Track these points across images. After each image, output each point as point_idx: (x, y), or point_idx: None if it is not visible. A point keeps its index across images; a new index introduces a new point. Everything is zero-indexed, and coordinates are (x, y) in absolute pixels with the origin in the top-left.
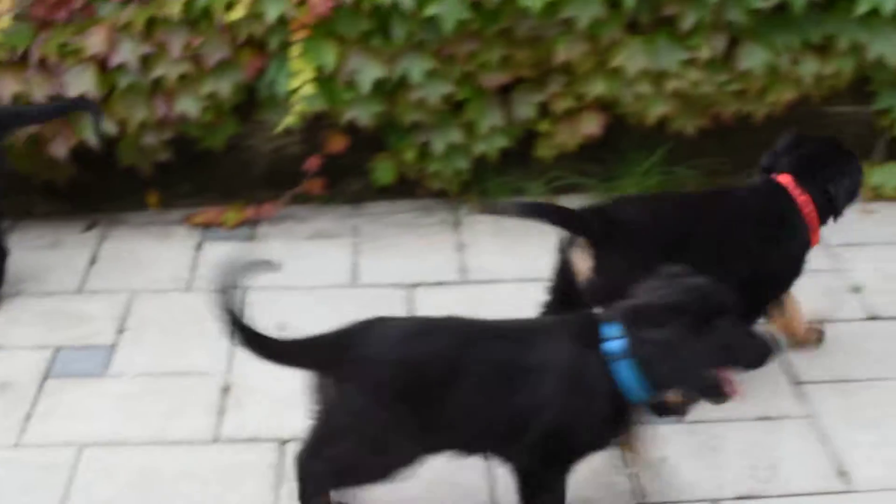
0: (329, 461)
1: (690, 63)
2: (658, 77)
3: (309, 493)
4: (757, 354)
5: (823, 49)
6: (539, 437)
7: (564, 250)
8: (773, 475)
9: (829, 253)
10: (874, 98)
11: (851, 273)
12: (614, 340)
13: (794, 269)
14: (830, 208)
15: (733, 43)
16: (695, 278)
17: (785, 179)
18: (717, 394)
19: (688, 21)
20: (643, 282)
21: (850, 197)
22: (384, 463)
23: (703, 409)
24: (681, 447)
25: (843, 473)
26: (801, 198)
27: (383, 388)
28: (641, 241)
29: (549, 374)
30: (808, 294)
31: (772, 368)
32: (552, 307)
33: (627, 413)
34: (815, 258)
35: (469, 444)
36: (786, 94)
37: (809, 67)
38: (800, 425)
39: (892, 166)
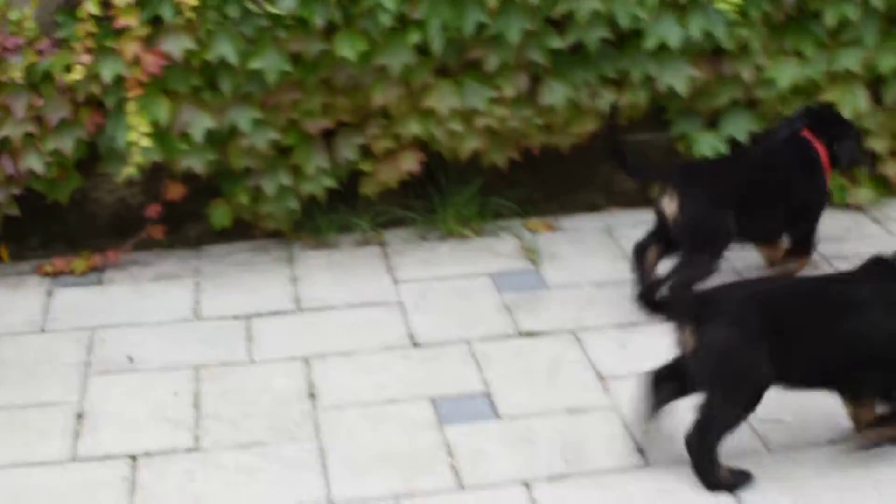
0: (716, 409)
1: (497, 101)
2: (468, 115)
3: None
4: None
5: (619, 82)
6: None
7: (657, 202)
8: (580, 457)
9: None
10: (670, 125)
11: None
12: None
13: (823, 200)
14: (833, 161)
15: (536, 80)
16: None
17: (805, 133)
18: None
19: (492, 63)
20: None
21: (850, 155)
22: (752, 400)
23: (517, 407)
24: (497, 440)
25: (641, 452)
26: (818, 144)
27: (748, 332)
28: (715, 188)
29: (887, 310)
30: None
31: (579, 367)
32: (652, 240)
33: None
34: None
35: (820, 379)
36: (587, 126)
37: (607, 100)
38: (605, 415)
39: None
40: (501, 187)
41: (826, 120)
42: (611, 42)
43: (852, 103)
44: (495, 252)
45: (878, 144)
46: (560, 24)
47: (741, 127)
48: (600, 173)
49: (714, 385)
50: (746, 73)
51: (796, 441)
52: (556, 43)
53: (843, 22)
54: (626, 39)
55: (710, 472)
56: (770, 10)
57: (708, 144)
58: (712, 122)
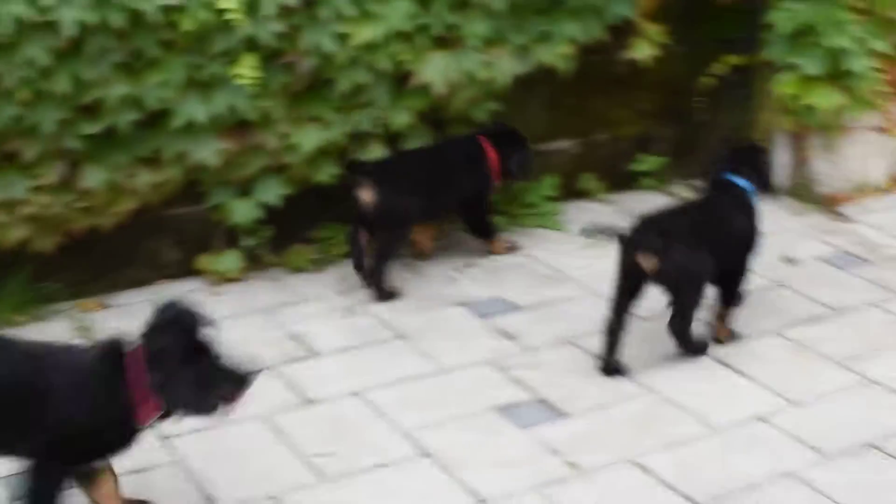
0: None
1: (39, 189)
2: (11, 206)
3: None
4: None
5: (154, 161)
6: None
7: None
8: None
9: None
10: (207, 197)
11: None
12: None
13: (488, 190)
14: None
15: (75, 166)
16: None
17: (482, 139)
18: None
19: (29, 153)
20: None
21: (520, 166)
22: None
23: None
24: None
25: (210, 499)
26: (490, 151)
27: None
28: (402, 179)
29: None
30: None
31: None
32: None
33: None
34: None
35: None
36: (128, 205)
37: (144, 179)
38: (170, 470)
39: (230, 253)
40: (53, 271)
41: (504, 136)
42: (142, 122)
43: None
44: (50, 335)
45: None
46: (92, 110)
47: (273, 192)
48: (145, 249)
49: (682, 290)
50: (272, 142)
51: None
52: (90, 129)
53: (356, 86)
54: (156, 119)
55: (690, 341)
56: (288, 81)
57: (243, 212)
58: (246, 189)
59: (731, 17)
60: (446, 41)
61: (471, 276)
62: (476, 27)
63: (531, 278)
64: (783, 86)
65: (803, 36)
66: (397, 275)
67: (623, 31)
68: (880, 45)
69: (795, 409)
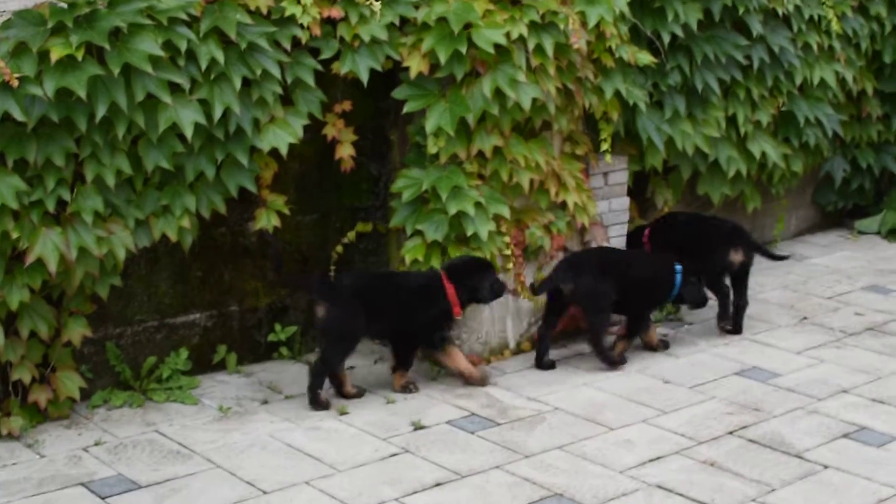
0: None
1: None
2: None
3: None
4: None
5: None
6: None
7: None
8: None
9: None
10: None
11: None
12: None
13: None
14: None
15: None
16: None
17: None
18: None
19: None
20: None
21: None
22: None
23: None
24: None
25: None
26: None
27: None
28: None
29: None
30: None
31: None
32: None
33: None
34: None
35: None
36: None
37: None
38: None
39: None
40: None
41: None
42: None
43: None
44: None
45: (22, 375)
46: None
47: None
48: None
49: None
50: None
51: None
52: None
53: None
54: None
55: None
56: None
57: None
58: None
59: (359, 185)
60: (59, 217)
61: (96, 453)
62: (90, 202)
63: (157, 454)
64: (410, 252)
65: (426, 203)
66: (12, 454)
67: (249, 203)
68: (503, 210)
69: None
